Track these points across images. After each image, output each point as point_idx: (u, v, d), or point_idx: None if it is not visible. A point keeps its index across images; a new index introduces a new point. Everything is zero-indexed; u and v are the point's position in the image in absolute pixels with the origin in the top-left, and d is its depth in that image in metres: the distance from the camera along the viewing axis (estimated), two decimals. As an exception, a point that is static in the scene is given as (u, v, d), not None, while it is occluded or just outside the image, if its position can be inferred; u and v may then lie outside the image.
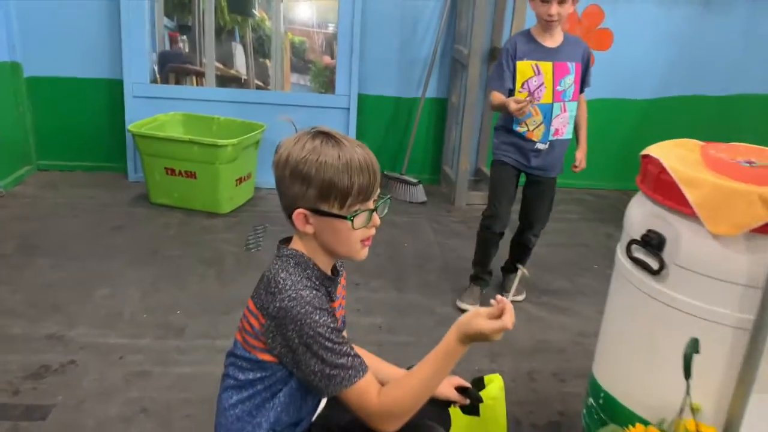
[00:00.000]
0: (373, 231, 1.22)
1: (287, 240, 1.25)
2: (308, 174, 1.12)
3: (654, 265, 1.45)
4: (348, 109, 3.84)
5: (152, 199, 3.54)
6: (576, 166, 2.63)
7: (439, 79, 4.04)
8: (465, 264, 2.89)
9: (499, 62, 2.45)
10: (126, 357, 2.17)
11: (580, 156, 2.64)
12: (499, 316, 1.15)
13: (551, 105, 2.43)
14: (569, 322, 2.61)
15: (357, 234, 1.18)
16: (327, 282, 1.23)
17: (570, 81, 2.45)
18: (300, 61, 4.11)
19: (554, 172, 2.60)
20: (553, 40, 2.44)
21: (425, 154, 4.20)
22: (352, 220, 1.16)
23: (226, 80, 4.06)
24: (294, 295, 1.12)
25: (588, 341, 2.47)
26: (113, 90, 3.82)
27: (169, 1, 4.05)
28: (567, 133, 2.53)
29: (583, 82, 2.53)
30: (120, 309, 2.47)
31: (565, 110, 2.47)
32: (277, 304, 1.12)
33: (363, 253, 1.23)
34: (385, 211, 1.25)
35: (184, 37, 5.41)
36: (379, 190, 1.20)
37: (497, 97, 2.42)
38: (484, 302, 2.59)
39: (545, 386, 2.18)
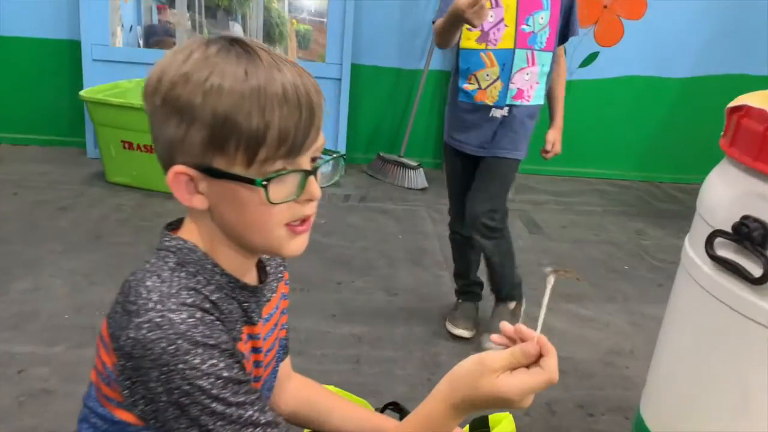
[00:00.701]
0: (309, 209, 0.73)
1: (177, 224, 0.78)
2: (189, 103, 0.65)
3: (755, 269, 0.96)
4: (339, 80, 3.34)
5: (108, 178, 3.07)
6: (547, 151, 1.96)
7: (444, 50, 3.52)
8: (469, 261, 2.39)
9: None
10: (27, 371, 1.69)
11: (553, 136, 1.95)
12: (525, 362, 0.69)
13: (512, 51, 1.74)
14: (597, 336, 2.11)
15: (278, 212, 0.70)
16: (241, 294, 0.76)
17: (543, 20, 1.75)
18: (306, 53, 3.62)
19: (510, 149, 1.84)
20: None
21: (427, 133, 3.70)
22: (264, 187, 0.67)
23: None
24: (159, 320, 0.66)
25: (622, 362, 1.97)
26: (74, 53, 3.34)
27: None
28: (535, 98, 1.83)
29: (564, 30, 1.83)
30: (38, 307, 1.99)
31: (533, 62, 1.77)
32: (132, 334, 0.66)
33: (294, 245, 0.74)
34: (336, 177, 0.77)
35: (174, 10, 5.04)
36: (321, 141, 0.72)
37: (438, 23, 1.70)
38: (483, 322, 2.09)
39: (569, 422, 1.69)
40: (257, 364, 0.81)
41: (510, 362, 0.68)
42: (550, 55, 1.81)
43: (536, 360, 0.69)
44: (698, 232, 1.12)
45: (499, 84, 1.78)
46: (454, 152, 1.93)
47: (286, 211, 0.70)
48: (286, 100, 0.66)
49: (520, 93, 1.80)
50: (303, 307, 2.11)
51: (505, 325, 0.72)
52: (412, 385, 1.73)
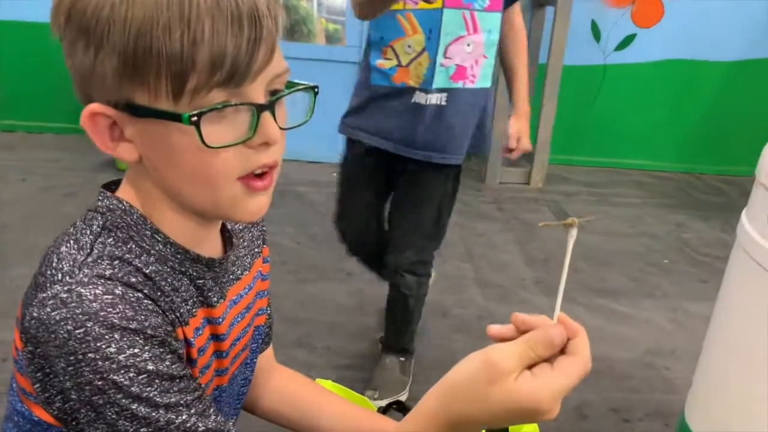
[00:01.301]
0: (266, 157, 0.57)
1: (115, 183, 0.62)
2: (95, 18, 0.51)
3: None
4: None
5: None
6: (510, 149, 1.47)
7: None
8: (493, 254, 2.23)
9: None
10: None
11: (517, 127, 1.46)
12: (547, 354, 0.51)
13: (440, 12, 1.25)
14: (634, 334, 1.91)
15: (224, 161, 0.55)
16: (194, 268, 0.61)
17: None
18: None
19: (448, 153, 1.37)
20: None
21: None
22: (195, 125, 0.52)
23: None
24: (65, 295, 0.52)
25: (662, 362, 1.78)
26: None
27: None
28: (482, 78, 1.35)
29: None
30: (30, 293, 1.88)
31: (474, 28, 1.29)
32: (35, 312, 0.52)
33: (250, 206, 0.58)
34: (307, 117, 0.61)
35: None
36: (280, 68, 0.56)
37: None
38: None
39: (602, 427, 1.50)
40: (219, 354, 0.66)
41: (529, 357, 0.50)
42: (497, 16, 1.31)
43: (561, 350, 0.51)
44: (759, 205, 0.93)
45: (425, 58, 1.27)
46: (359, 149, 1.42)
47: (234, 160, 0.55)
48: (219, 8, 0.50)
49: (460, 72, 1.29)
50: (310, 298, 1.97)
51: (517, 316, 0.54)
52: (423, 382, 1.57)
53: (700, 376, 1.15)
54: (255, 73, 0.53)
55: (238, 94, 0.53)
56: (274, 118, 0.56)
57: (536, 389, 0.50)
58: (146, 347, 0.52)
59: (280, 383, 0.84)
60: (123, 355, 0.51)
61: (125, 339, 0.51)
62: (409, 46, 1.28)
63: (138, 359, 0.51)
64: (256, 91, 0.54)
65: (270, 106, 0.55)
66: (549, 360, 0.51)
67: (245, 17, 0.51)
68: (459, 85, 1.32)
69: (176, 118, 0.51)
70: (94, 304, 0.51)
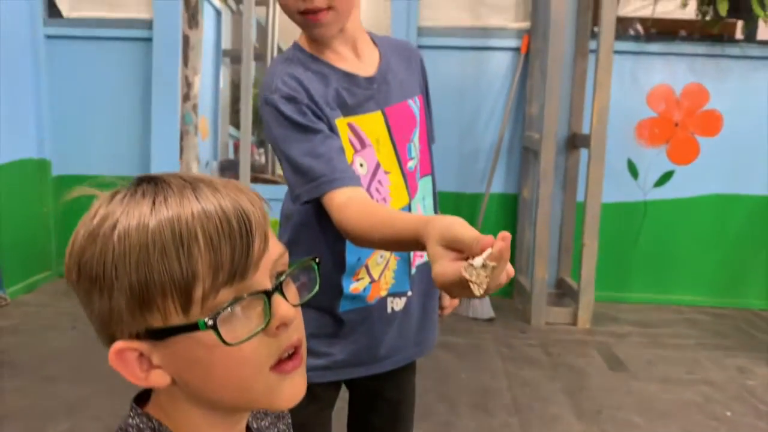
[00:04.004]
0: (288, 338, 0.58)
1: (145, 396, 0.63)
2: (101, 266, 0.54)
3: None
4: (399, 207, 3.27)
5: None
6: (445, 308, 1.23)
7: (507, 171, 3.43)
8: (542, 405, 2.12)
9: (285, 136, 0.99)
10: None
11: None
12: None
13: (408, 207, 1.08)
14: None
15: (251, 355, 0.56)
16: None
17: (418, 139, 1.11)
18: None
19: (429, 344, 1.19)
20: (362, 57, 1.05)
21: (493, 260, 3.51)
22: (213, 328, 0.53)
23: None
24: None
25: None
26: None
27: (239, 113, 3.79)
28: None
29: (430, 130, 1.17)
30: (68, 455, 1.86)
31: (423, 201, 1.14)
32: None
33: (288, 391, 0.58)
34: (313, 291, 0.62)
35: (261, 150, 5.31)
36: (278, 250, 0.59)
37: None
38: None
39: None
40: None
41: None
42: (429, 178, 1.15)
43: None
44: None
45: (393, 261, 1.08)
46: (320, 399, 1.11)
47: (261, 350, 0.56)
48: (207, 218, 0.53)
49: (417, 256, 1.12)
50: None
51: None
52: None
53: None
54: (255, 264, 0.55)
55: (245, 287, 0.55)
56: (285, 298, 0.57)
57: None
58: None
59: None
60: None
61: None
62: (381, 256, 1.06)
63: None
64: (262, 278, 0.56)
65: (278, 288, 0.56)
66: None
67: (233, 219, 0.54)
68: (420, 263, 1.12)
69: (193, 327, 0.53)
70: None
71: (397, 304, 1.10)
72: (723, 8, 2.79)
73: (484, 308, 3.14)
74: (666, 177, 3.37)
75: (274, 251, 0.58)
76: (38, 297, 3.28)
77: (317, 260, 0.62)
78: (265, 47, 5.08)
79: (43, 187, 3.47)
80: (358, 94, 1.02)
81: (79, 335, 2.77)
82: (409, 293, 1.11)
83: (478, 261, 0.61)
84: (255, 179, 3.83)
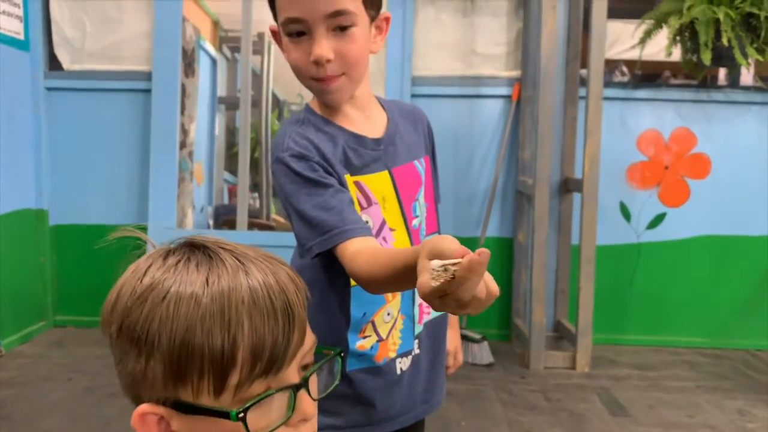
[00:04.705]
0: (305, 431, 0.59)
1: None
2: (146, 331, 0.56)
3: None
4: (396, 252, 3.29)
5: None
6: (449, 367, 1.26)
7: (502, 215, 3.47)
8: (543, 453, 2.10)
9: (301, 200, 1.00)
10: None
11: (455, 343, 1.28)
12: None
13: None
14: None
15: None
16: None
17: (423, 198, 1.14)
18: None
19: (437, 401, 1.19)
20: (370, 120, 1.09)
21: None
22: (242, 420, 0.54)
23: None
24: None
25: None
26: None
27: (234, 159, 3.84)
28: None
29: (436, 189, 1.20)
30: None
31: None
32: None
33: None
34: (334, 385, 0.64)
35: (255, 194, 5.34)
36: (310, 343, 0.61)
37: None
38: None
39: None
40: None
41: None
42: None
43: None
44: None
45: (399, 320, 1.08)
46: None
47: None
48: (256, 307, 0.55)
49: (423, 307, 1.12)
50: None
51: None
52: None
53: None
54: (290, 358, 0.57)
55: (277, 381, 0.56)
56: (309, 393, 0.58)
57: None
58: None
59: None
60: None
61: None
62: (388, 314, 1.05)
63: None
64: (292, 372, 0.58)
65: (305, 384, 0.58)
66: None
67: (279, 310, 0.56)
68: (427, 319, 1.13)
69: (224, 415, 0.54)
70: None
71: (405, 363, 1.10)
72: (706, 57, 2.88)
73: (483, 354, 3.13)
74: (658, 219, 3.42)
75: (307, 344, 0.59)
76: (33, 348, 3.25)
77: (341, 353, 0.64)
78: (260, 94, 5.17)
79: (40, 237, 3.47)
80: (365, 155, 1.06)
81: (75, 386, 2.74)
82: (416, 351, 1.12)
83: (435, 263, 0.60)
84: (251, 225, 3.84)
